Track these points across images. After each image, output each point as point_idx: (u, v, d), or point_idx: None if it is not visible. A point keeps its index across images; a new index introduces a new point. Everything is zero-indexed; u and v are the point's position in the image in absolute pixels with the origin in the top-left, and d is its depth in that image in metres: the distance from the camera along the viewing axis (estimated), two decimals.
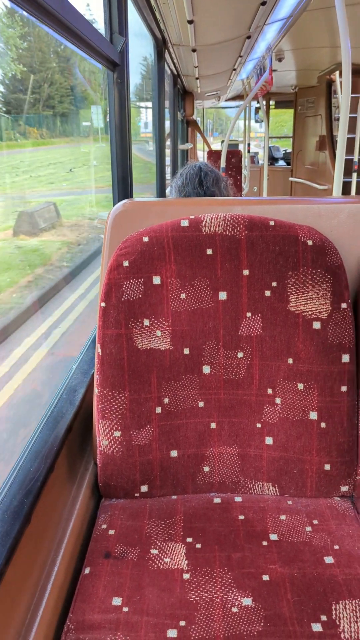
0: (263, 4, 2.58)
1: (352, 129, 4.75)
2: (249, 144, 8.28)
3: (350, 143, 4.71)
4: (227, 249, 1.03)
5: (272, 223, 1.03)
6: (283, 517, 1.04)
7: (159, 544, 0.98)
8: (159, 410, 1.07)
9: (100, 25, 1.69)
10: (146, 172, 7.29)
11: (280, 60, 4.46)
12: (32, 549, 0.86)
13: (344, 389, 1.05)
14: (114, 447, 1.06)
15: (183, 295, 1.05)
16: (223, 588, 0.88)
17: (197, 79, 5.60)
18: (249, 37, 3.51)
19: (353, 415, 1.06)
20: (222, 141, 8.17)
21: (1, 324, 4.05)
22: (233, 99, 9.03)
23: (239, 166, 7.32)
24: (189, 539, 0.99)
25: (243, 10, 2.78)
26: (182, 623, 0.82)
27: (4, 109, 7.13)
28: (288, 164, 8.16)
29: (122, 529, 1.02)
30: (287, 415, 1.07)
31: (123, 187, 1.94)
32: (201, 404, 1.09)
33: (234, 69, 5.24)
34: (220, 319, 1.06)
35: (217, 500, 1.09)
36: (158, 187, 3.77)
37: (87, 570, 0.93)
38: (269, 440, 1.09)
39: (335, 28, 2.19)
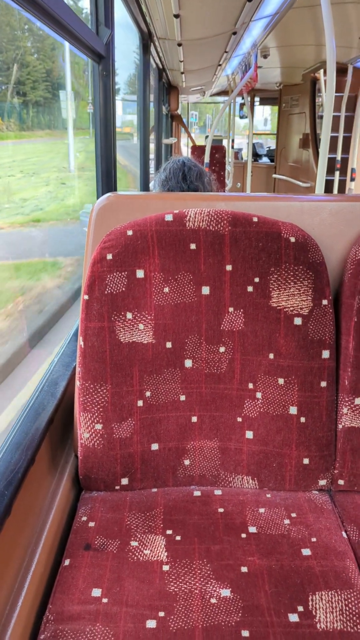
0: (249, 0, 2.59)
1: (335, 127, 4.77)
2: (232, 140, 8.29)
3: (334, 141, 4.74)
4: (210, 244, 1.04)
5: (255, 219, 1.04)
6: (262, 510, 1.05)
7: (139, 536, 0.98)
8: (140, 403, 1.07)
9: None
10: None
11: (265, 57, 4.47)
12: (11, 541, 0.86)
13: (323, 384, 1.06)
14: (95, 439, 1.07)
15: (166, 289, 1.05)
16: (202, 579, 0.89)
17: (182, 73, 5.58)
18: (234, 33, 3.51)
19: (332, 411, 1.08)
20: (207, 136, 8.14)
21: None
22: (218, 94, 9.02)
23: (223, 162, 7.33)
24: (169, 532, 1.00)
25: (229, 6, 2.78)
26: (161, 614, 0.83)
27: None
28: (272, 160, 8.18)
29: (102, 521, 1.02)
30: (268, 410, 1.08)
31: (107, 180, 1.94)
32: (183, 398, 1.10)
33: (220, 65, 5.23)
34: (203, 314, 1.06)
35: (197, 493, 1.10)
36: (142, 181, 3.76)
37: (67, 562, 0.93)
38: (249, 434, 1.10)
39: (321, 26, 2.20)
